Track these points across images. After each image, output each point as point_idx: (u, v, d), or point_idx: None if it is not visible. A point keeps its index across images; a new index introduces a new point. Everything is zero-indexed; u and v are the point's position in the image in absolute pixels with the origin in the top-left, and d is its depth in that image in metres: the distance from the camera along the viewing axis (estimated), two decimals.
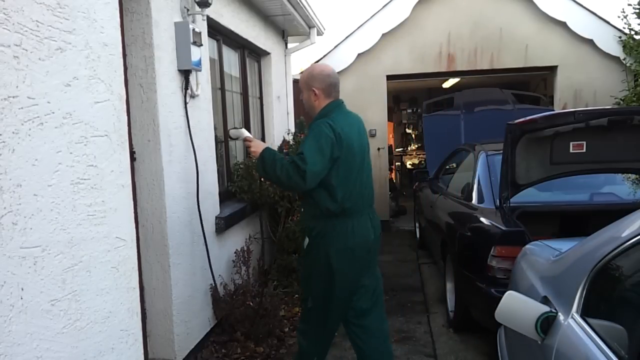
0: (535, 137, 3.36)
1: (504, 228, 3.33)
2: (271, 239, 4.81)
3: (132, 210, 2.44)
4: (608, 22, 7.22)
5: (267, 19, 5.48)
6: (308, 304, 2.74)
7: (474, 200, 3.91)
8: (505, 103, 6.64)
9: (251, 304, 3.64)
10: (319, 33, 6.53)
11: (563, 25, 7.23)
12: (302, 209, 2.90)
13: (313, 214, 2.65)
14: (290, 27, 6.11)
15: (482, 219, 3.62)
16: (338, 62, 7.67)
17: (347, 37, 7.66)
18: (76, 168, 2.02)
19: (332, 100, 2.70)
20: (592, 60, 7.31)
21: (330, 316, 2.70)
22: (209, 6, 3.39)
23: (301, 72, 2.87)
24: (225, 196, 4.24)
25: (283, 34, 6.24)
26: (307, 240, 2.69)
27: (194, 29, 3.24)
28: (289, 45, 6.51)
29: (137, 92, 2.96)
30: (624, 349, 1.34)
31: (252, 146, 2.70)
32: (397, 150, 12.46)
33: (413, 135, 13.25)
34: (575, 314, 1.63)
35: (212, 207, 3.76)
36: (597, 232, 1.78)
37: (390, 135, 11.27)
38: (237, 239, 4.21)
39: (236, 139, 3.01)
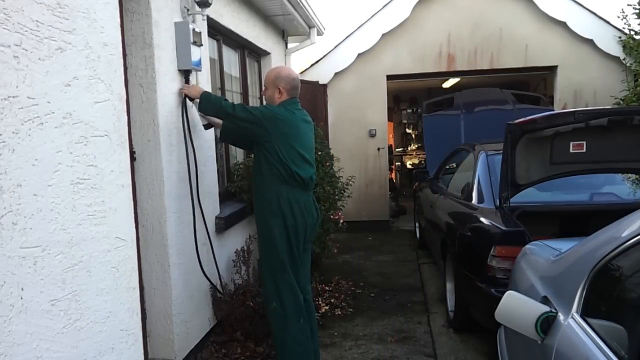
0: (535, 137, 3.36)
1: (504, 228, 3.33)
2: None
3: (132, 210, 2.44)
4: (608, 22, 7.22)
5: (267, 19, 5.48)
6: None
7: (474, 200, 3.91)
8: (505, 103, 6.64)
9: (251, 304, 3.64)
10: (319, 33, 6.53)
11: (563, 25, 7.23)
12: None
13: None
14: (290, 27, 6.11)
15: (482, 219, 3.62)
16: (338, 62, 7.68)
17: (347, 37, 7.66)
18: (76, 168, 2.02)
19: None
20: (592, 61, 7.31)
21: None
22: (209, 6, 3.39)
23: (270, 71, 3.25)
24: (225, 196, 4.24)
25: (283, 34, 6.24)
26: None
27: (194, 29, 3.24)
28: (289, 45, 6.51)
29: (137, 92, 2.96)
30: (624, 349, 1.34)
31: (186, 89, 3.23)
32: (397, 150, 12.46)
33: (413, 135, 13.25)
34: (575, 314, 1.63)
35: (212, 207, 3.76)
36: (597, 232, 1.78)
37: (390, 135, 11.28)
38: (237, 239, 4.20)
39: (207, 123, 3.39)
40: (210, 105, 3.15)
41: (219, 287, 3.66)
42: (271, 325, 3.14)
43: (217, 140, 3.86)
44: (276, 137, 2.95)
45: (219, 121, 3.23)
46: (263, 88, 3.25)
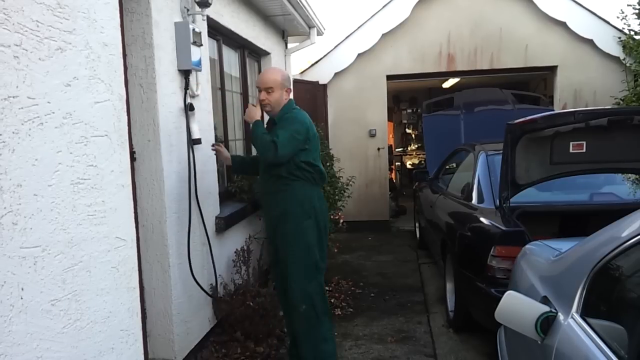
0: (535, 137, 3.36)
1: (504, 228, 3.33)
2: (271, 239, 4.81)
3: (132, 210, 2.44)
4: (608, 22, 7.22)
5: (267, 19, 5.48)
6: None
7: (474, 200, 3.91)
8: (505, 103, 6.64)
9: (251, 304, 3.64)
10: (319, 33, 6.52)
11: (563, 25, 7.24)
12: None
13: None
14: (290, 27, 6.11)
15: (482, 219, 3.62)
16: (338, 62, 7.68)
17: (347, 37, 7.67)
18: (76, 168, 2.02)
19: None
20: (592, 60, 7.31)
21: None
22: (209, 6, 3.39)
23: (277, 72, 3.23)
24: (225, 196, 4.24)
25: (283, 34, 6.24)
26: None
27: (194, 29, 3.24)
28: (289, 45, 6.50)
29: (137, 92, 2.96)
30: (624, 349, 1.34)
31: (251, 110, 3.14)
32: (397, 150, 12.47)
33: (413, 135, 13.25)
34: (575, 314, 1.63)
35: (212, 207, 3.76)
36: (597, 232, 1.78)
37: (390, 135, 11.28)
38: (237, 238, 4.20)
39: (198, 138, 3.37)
40: (255, 138, 3.01)
41: (211, 288, 3.63)
42: (298, 327, 3.09)
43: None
44: (309, 144, 3.02)
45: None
46: (264, 90, 3.09)
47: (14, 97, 1.70)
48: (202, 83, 3.57)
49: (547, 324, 1.69)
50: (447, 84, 10.61)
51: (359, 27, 7.61)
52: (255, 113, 3.08)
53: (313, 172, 3.04)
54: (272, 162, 2.96)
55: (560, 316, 1.68)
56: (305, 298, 3.01)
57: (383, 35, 7.50)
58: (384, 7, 7.51)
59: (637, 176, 3.90)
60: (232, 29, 4.35)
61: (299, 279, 3.01)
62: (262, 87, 3.10)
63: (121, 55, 2.37)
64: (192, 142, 3.32)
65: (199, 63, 3.35)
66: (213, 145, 3.52)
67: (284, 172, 2.99)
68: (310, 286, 3.02)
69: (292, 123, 2.98)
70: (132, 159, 2.79)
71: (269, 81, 3.09)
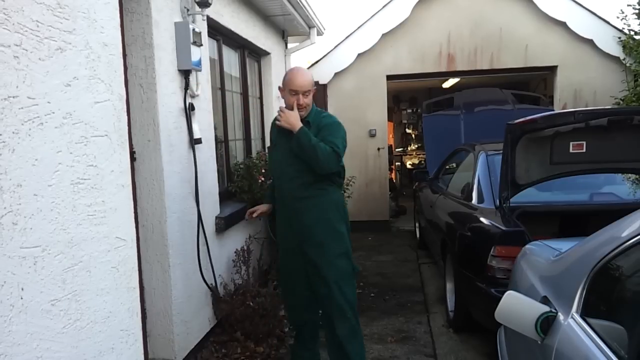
0: (535, 137, 3.36)
1: (504, 228, 3.33)
2: (271, 239, 4.81)
3: (132, 210, 2.44)
4: (608, 22, 7.22)
5: (267, 19, 5.48)
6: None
7: (474, 200, 3.91)
8: (505, 103, 6.63)
9: (251, 304, 3.64)
10: (319, 33, 6.53)
11: (563, 25, 7.23)
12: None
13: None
14: (290, 27, 6.11)
15: (482, 219, 3.62)
16: (338, 62, 7.68)
17: (347, 37, 7.66)
18: (76, 168, 2.02)
19: None
20: (592, 60, 7.31)
21: None
22: (209, 6, 3.39)
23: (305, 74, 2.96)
24: (225, 196, 4.24)
25: (283, 34, 6.24)
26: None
27: (194, 29, 3.25)
28: (289, 45, 6.51)
29: (137, 92, 2.96)
30: (624, 349, 1.34)
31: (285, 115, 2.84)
32: (397, 150, 12.46)
33: (413, 135, 13.25)
34: (575, 314, 1.63)
35: (212, 207, 3.76)
36: (597, 232, 1.78)
37: (390, 135, 11.28)
38: (237, 238, 4.21)
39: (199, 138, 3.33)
40: (309, 147, 2.74)
41: (215, 287, 3.65)
42: (343, 331, 2.89)
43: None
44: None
45: None
46: (302, 94, 2.83)
47: (14, 97, 1.70)
48: (202, 83, 3.57)
49: (547, 324, 1.69)
50: (447, 84, 10.61)
51: (359, 27, 7.61)
52: (296, 119, 2.79)
53: (342, 175, 2.97)
54: (329, 172, 2.82)
55: (560, 316, 1.68)
56: (350, 303, 2.91)
57: (383, 35, 7.50)
58: (384, 7, 7.50)
59: (637, 176, 3.90)
60: (232, 29, 4.36)
61: (344, 286, 2.88)
62: (303, 90, 2.83)
63: (121, 55, 2.37)
64: (196, 142, 3.31)
65: (199, 63, 3.35)
66: (249, 215, 3.22)
67: (325, 178, 2.84)
68: (353, 291, 2.95)
69: (338, 129, 2.86)
70: (132, 159, 2.79)
71: (308, 84, 2.87)
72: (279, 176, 3.00)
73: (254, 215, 3.19)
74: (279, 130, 2.92)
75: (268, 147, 3.32)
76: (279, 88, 2.99)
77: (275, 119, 2.92)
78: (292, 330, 3.26)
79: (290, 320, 3.25)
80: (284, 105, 2.92)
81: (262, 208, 3.22)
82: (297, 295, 3.04)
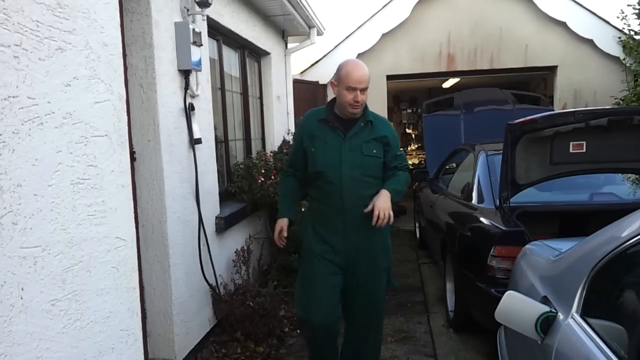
0: (535, 137, 3.36)
1: (504, 228, 3.33)
2: (271, 239, 4.81)
3: (132, 210, 2.44)
4: (608, 22, 7.23)
5: (267, 19, 5.48)
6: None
7: (474, 200, 3.91)
8: (505, 103, 6.63)
9: (251, 304, 3.64)
10: (319, 33, 6.52)
11: (563, 25, 7.24)
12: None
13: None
14: (290, 27, 6.11)
15: (482, 219, 3.62)
16: (338, 62, 7.64)
17: (347, 37, 7.67)
18: (76, 168, 2.01)
19: None
20: (591, 60, 7.31)
21: None
22: (209, 6, 3.39)
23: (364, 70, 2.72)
24: (225, 196, 4.24)
25: (283, 34, 6.24)
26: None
27: (194, 29, 3.24)
28: (289, 45, 6.51)
29: (137, 92, 2.96)
30: (624, 349, 1.34)
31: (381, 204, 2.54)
32: None
33: (413, 135, 13.27)
34: (575, 313, 1.63)
35: (212, 207, 3.76)
36: (597, 232, 1.78)
37: None
38: (237, 238, 4.21)
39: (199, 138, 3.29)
40: (403, 189, 2.71)
41: (216, 287, 3.66)
42: (375, 342, 2.88)
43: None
44: None
45: None
46: (360, 90, 2.66)
47: (14, 97, 1.70)
48: (202, 83, 3.57)
49: (547, 324, 1.69)
50: (447, 84, 10.61)
51: (359, 27, 7.62)
52: (386, 202, 2.53)
53: None
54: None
55: (560, 316, 1.68)
56: (382, 317, 2.90)
57: (383, 35, 7.50)
58: (384, 7, 7.51)
59: (637, 176, 3.90)
60: (232, 29, 4.36)
61: (382, 300, 2.83)
62: (361, 86, 2.60)
63: (121, 55, 2.36)
64: (194, 142, 3.31)
65: (199, 63, 3.35)
66: (279, 240, 2.87)
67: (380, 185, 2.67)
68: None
69: (398, 140, 2.84)
70: (132, 159, 2.79)
71: (368, 79, 2.62)
72: (332, 179, 2.62)
73: (284, 234, 2.84)
74: (321, 125, 2.65)
75: (295, 142, 2.96)
76: (332, 83, 2.72)
77: (310, 116, 2.74)
78: (308, 347, 2.94)
79: (306, 328, 2.82)
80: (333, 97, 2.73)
81: (284, 225, 2.85)
82: (334, 304, 2.72)
